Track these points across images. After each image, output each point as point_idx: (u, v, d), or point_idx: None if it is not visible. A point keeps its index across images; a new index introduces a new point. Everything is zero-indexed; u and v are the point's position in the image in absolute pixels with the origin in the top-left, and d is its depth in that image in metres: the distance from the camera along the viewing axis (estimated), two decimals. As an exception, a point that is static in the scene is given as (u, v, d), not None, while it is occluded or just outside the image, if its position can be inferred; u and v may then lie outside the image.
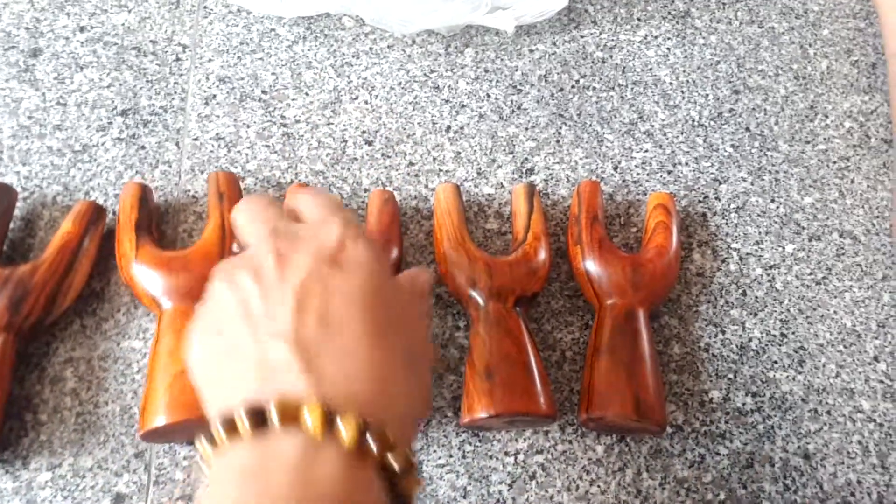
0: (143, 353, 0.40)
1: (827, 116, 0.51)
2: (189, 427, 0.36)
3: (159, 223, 0.43)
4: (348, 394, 0.25)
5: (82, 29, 0.49)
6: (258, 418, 0.24)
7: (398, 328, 0.28)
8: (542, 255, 0.42)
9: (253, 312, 0.26)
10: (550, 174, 0.47)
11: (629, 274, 0.41)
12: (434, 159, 0.47)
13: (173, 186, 0.45)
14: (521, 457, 0.40)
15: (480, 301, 0.40)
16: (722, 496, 0.40)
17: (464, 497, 0.39)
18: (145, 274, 0.39)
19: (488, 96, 0.50)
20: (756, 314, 0.45)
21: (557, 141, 0.48)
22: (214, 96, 0.48)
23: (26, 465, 0.37)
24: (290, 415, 0.24)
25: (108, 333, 0.41)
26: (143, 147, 0.46)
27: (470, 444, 0.40)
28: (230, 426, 0.24)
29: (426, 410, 0.29)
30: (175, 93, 0.47)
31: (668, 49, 0.52)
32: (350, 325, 0.26)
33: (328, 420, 0.24)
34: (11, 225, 0.42)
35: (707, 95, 0.51)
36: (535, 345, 0.39)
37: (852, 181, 0.49)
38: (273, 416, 0.24)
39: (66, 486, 0.37)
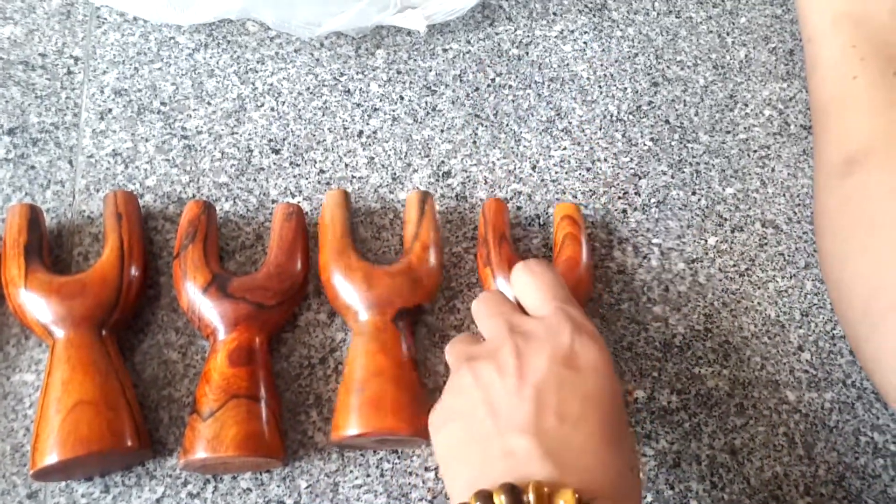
0: (36, 386, 0.38)
1: (747, 105, 0.51)
2: (85, 463, 0.34)
3: (51, 247, 0.41)
4: (592, 486, 0.28)
5: (-36, 44, 0.46)
6: (515, 499, 0.27)
7: (621, 426, 0.31)
8: (430, 265, 0.40)
9: (496, 407, 0.30)
10: (468, 176, 0.46)
11: None
12: (346, 166, 0.46)
13: (67, 207, 0.42)
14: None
15: (358, 312, 0.38)
16: (649, 498, 0.39)
17: (383, 517, 0.37)
18: (35, 301, 0.36)
19: (402, 98, 0.48)
20: (679, 310, 0.44)
21: (474, 142, 0.47)
22: (110, 110, 0.45)
23: None
24: (544, 498, 0.27)
25: (-2, 367, 0.38)
26: (32, 167, 0.43)
27: (388, 461, 0.38)
28: (488, 502, 0.27)
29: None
30: (67, 108, 0.45)
31: (585, 43, 0.52)
32: (586, 423, 0.30)
33: None
34: None
35: (625, 89, 0.50)
36: (413, 362, 0.38)
37: (773, 170, 0.49)
38: (530, 497, 0.27)
39: (-45, 534, 0.35)
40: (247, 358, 0.36)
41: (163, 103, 0.46)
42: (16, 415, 0.37)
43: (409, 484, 0.38)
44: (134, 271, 0.38)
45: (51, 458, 0.33)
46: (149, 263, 0.40)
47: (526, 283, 0.36)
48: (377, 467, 0.38)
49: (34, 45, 0.47)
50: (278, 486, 0.37)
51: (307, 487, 0.37)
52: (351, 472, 0.38)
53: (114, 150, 0.44)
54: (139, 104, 0.46)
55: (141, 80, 0.46)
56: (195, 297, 0.37)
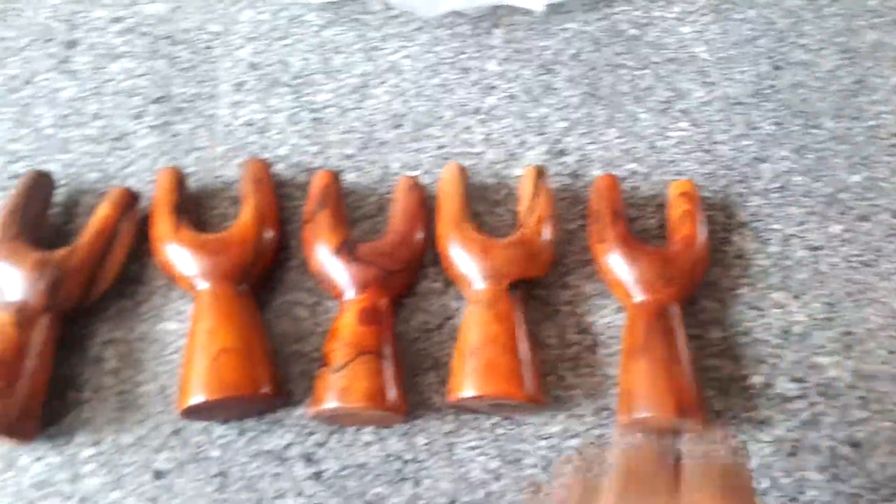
0: (179, 334, 0.41)
1: (875, 91, 0.49)
2: (225, 406, 0.37)
3: (194, 208, 0.44)
4: None
5: (117, 20, 0.50)
6: None
7: None
8: (545, 239, 0.41)
9: None
10: (583, 155, 0.46)
11: (658, 269, 0.40)
12: (463, 142, 0.47)
13: (206, 172, 0.45)
14: (554, 440, 0.39)
15: (473, 282, 0.39)
16: (765, 484, 0.39)
17: (496, 480, 0.38)
18: (183, 256, 0.39)
19: (518, 77, 0.49)
20: (799, 297, 0.43)
21: (590, 121, 0.47)
22: (245, 83, 0.48)
23: (71, 441, 0.38)
24: None
25: (146, 316, 0.41)
26: (176, 134, 0.46)
27: (502, 426, 0.39)
28: None
29: None
30: (206, 80, 0.48)
31: (705, 25, 0.51)
32: None
33: None
34: (54, 211, 0.43)
35: (746, 72, 0.49)
36: (528, 331, 0.39)
37: (903, 158, 0.47)
38: None
39: (108, 462, 0.38)
40: (374, 318, 0.38)
41: (293, 77, 0.48)
42: (161, 359, 0.40)
43: (522, 450, 0.39)
44: (269, 234, 0.41)
45: (197, 398, 0.36)
46: (281, 227, 0.43)
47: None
48: (491, 431, 0.39)
49: (178, 22, 0.50)
50: (398, 442, 0.39)
51: (425, 445, 0.39)
52: (466, 434, 0.39)
53: (248, 121, 0.47)
54: (271, 78, 0.48)
55: (273, 55, 0.49)
56: (326, 259, 0.39)
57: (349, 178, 0.45)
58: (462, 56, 0.49)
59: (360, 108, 0.47)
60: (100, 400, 0.39)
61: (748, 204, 0.45)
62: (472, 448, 0.39)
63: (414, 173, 0.45)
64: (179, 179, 0.42)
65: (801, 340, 0.42)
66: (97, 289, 0.40)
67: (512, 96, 0.48)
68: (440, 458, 0.38)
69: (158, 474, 0.38)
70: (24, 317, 0.37)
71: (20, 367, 0.36)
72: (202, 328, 0.37)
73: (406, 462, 0.38)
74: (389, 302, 0.39)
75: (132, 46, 0.49)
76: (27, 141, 0.46)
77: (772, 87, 0.49)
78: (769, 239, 0.44)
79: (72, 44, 0.49)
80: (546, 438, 0.39)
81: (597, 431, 0.39)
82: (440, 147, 0.46)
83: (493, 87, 0.48)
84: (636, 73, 0.49)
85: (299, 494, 0.37)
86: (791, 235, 0.45)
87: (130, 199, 0.42)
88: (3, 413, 0.35)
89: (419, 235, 0.41)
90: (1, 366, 0.36)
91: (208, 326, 0.37)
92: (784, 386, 0.41)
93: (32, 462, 0.38)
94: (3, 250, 0.39)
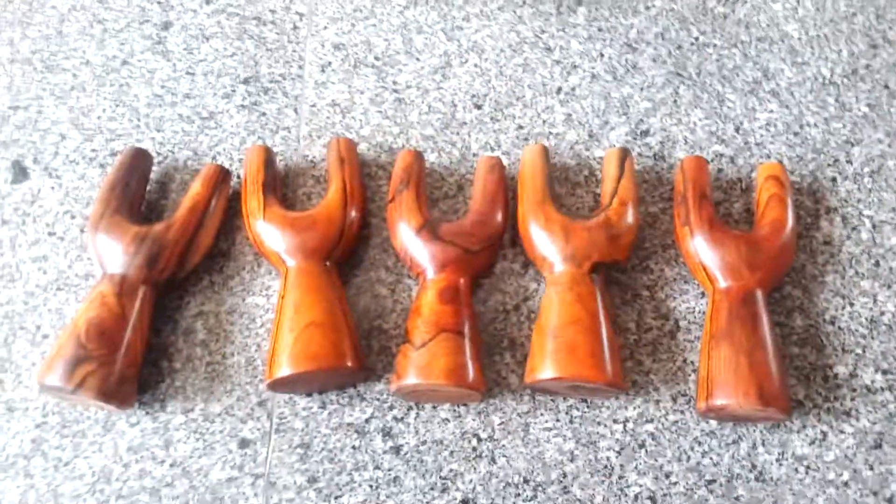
0: (266, 308, 0.43)
1: (983, 71, 0.46)
2: (310, 378, 0.38)
3: (281, 186, 0.45)
4: None
5: (208, 1, 0.51)
6: None
7: None
8: (628, 222, 0.40)
9: None
10: (667, 136, 0.46)
11: (744, 254, 0.39)
12: (544, 122, 0.47)
13: (292, 151, 0.47)
14: (630, 425, 0.39)
15: (554, 263, 0.39)
16: (845, 476, 0.38)
17: (571, 461, 0.39)
18: (272, 232, 0.41)
19: (601, 56, 0.48)
20: (890, 286, 0.41)
21: (675, 101, 0.46)
22: (330, 63, 0.49)
23: (163, 408, 0.40)
24: None
25: (234, 290, 0.43)
26: (264, 114, 0.48)
27: (577, 409, 0.40)
28: None
29: None
30: (293, 60, 0.49)
31: (797, 2, 0.49)
32: None
33: None
34: (148, 187, 0.46)
35: (840, 51, 0.47)
36: (608, 315, 0.39)
37: None
38: None
39: (197, 429, 0.40)
40: (454, 297, 0.39)
41: (376, 58, 0.49)
42: (249, 332, 0.42)
43: (598, 433, 0.39)
44: (354, 212, 0.42)
45: (284, 370, 0.37)
46: (366, 205, 0.44)
47: None
48: (567, 413, 0.40)
49: (265, 2, 0.51)
50: (474, 420, 0.40)
51: (500, 424, 0.40)
52: (542, 414, 0.40)
53: (333, 101, 0.48)
54: (355, 58, 0.49)
55: (357, 35, 0.49)
56: (408, 238, 0.40)
57: (430, 158, 0.46)
58: (544, 35, 0.49)
59: (440, 89, 0.48)
60: (190, 370, 0.41)
61: (838, 188, 0.44)
62: (548, 429, 0.39)
63: (494, 153, 0.46)
64: (267, 157, 0.43)
65: (889, 331, 0.41)
66: (190, 262, 0.42)
67: (594, 76, 0.47)
68: (515, 438, 0.39)
69: (245, 443, 0.40)
70: (124, 288, 0.40)
71: (120, 336, 0.38)
72: (289, 303, 0.39)
73: (482, 440, 0.39)
74: (469, 281, 0.40)
75: (222, 27, 0.51)
76: (124, 120, 0.48)
77: (867, 66, 0.47)
78: (859, 225, 0.43)
79: (166, 25, 0.51)
80: (622, 422, 0.39)
81: (673, 417, 0.39)
82: (520, 127, 0.46)
83: (576, 66, 0.48)
84: (723, 52, 0.48)
85: (377, 467, 0.39)
86: (883, 222, 0.43)
87: (222, 176, 0.44)
88: (104, 380, 0.37)
89: (499, 216, 0.42)
90: (103, 335, 0.38)
91: (296, 301, 0.39)
92: (870, 377, 0.40)
93: (129, 427, 0.40)
94: (103, 224, 0.41)
